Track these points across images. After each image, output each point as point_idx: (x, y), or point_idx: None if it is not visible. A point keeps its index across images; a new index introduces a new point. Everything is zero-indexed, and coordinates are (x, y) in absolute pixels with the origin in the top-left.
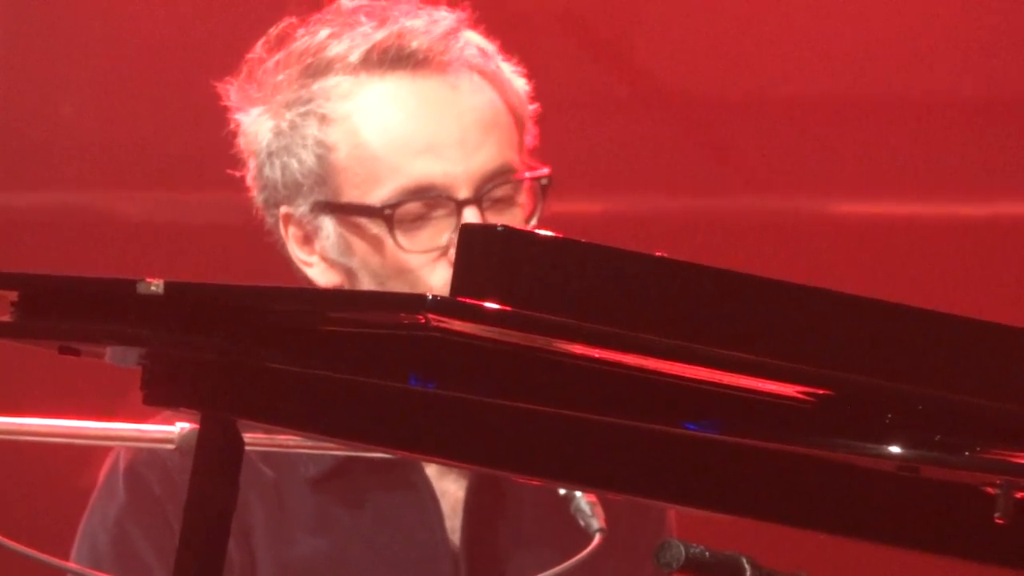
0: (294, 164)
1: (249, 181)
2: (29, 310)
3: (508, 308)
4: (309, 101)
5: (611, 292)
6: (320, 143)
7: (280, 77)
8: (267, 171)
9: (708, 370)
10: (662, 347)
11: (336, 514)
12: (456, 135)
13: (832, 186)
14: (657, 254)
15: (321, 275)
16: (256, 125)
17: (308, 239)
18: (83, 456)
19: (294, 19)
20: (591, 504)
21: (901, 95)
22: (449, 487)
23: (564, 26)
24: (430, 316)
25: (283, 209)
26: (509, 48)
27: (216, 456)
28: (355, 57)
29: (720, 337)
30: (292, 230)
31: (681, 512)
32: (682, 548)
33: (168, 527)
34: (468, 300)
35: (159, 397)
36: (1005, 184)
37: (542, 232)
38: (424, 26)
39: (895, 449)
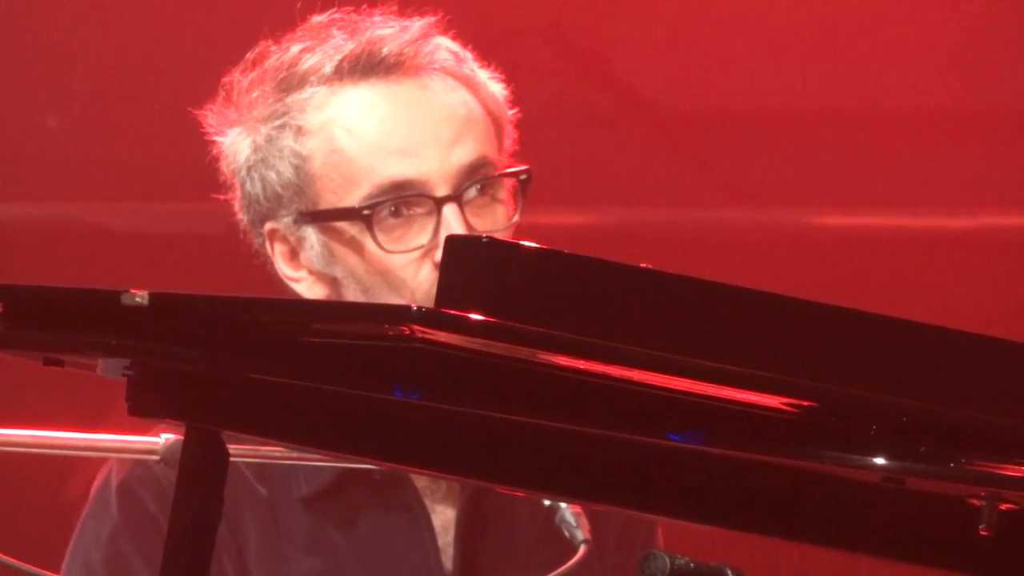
0: (272, 176)
1: (236, 205)
2: (14, 321)
3: (493, 319)
4: (284, 114)
5: (596, 303)
6: (296, 154)
7: (255, 94)
8: (248, 187)
9: (693, 382)
10: (647, 359)
11: (329, 533)
12: (430, 132)
13: (816, 198)
14: (641, 265)
15: (308, 290)
16: (235, 145)
17: (294, 253)
18: (67, 467)
19: (270, 43)
20: (576, 515)
21: (884, 107)
22: (441, 507)
23: (547, 39)
24: (415, 328)
25: (268, 225)
26: (493, 61)
27: (201, 467)
28: (328, 68)
29: (705, 349)
30: (278, 247)
31: (666, 524)
32: (667, 559)
33: (163, 544)
34: (453, 312)
35: (144, 408)
36: (989, 196)
37: (527, 244)
38: (394, 33)
39: (880, 461)
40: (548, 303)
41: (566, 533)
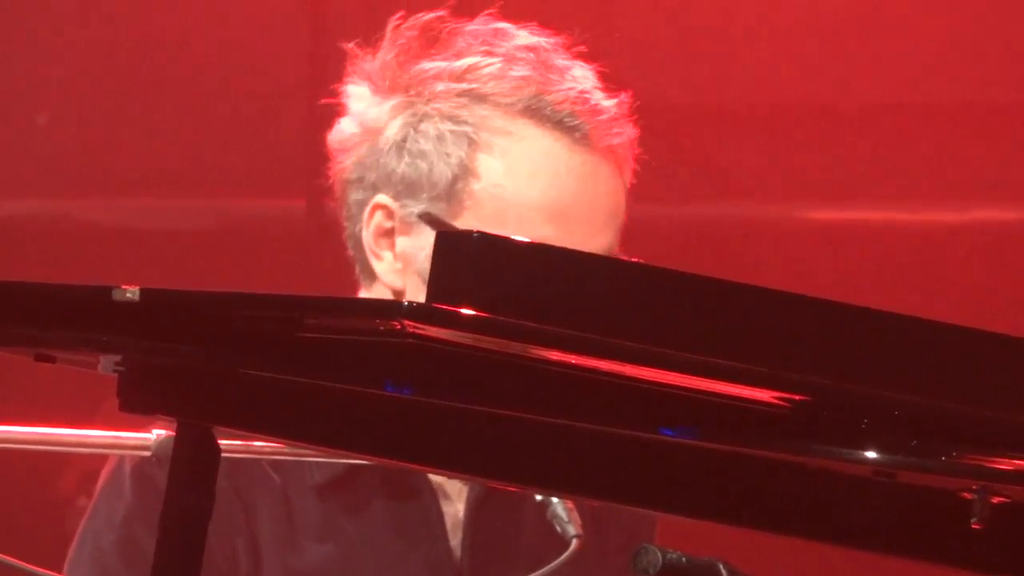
0: (424, 167)
1: (340, 147)
2: (4, 317)
3: (484, 314)
4: (463, 122)
5: (587, 298)
6: (463, 166)
7: (439, 87)
8: (386, 159)
9: (685, 376)
10: (638, 353)
11: (341, 522)
12: (587, 213)
13: (807, 192)
14: (633, 260)
15: (388, 271)
16: (391, 112)
17: (390, 234)
18: (58, 464)
19: (446, 21)
20: (568, 510)
21: (875, 102)
22: (452, 500)
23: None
24: (406, 323)
25: (381, 197)
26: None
27: (192, 463)
28: (522, 102)
29: (696, 343)
30: (379, 218)
31: (659, 519)
32: (659, 554)
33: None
34: (444, 306)
35: (135, 404)
36: (979, 190)
37: (518, 238)
38: (596, 101)
39: (871, 454)
40: (540, 298)
41: (558, 528)
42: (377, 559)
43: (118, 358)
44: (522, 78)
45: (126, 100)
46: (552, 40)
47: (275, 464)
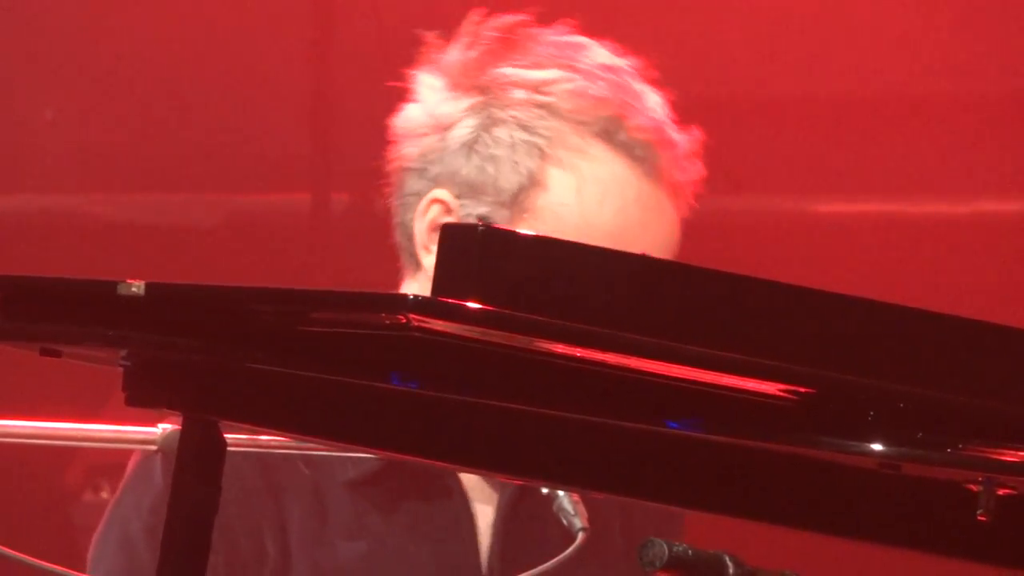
0: (491, 170)
1: (405, 133)
2: (10, 312)
3: (489, 308)
4: (537, 134)
5: (593, 291)
6: (532, 176)
7: (518, 94)
8: (453, 156)
9: (690, 369)
10: (644, 346)
11: (372, 520)
12: (646, 246)
13: (813, 184)
14: (639, 252)
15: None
16: (465, 111)
17: None
18: (64, 458)
19: (525, 18)
20: (574, 503)
21: (882, 94)
22: (482, 505)
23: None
24: (411, 316)
25: (440, 192)
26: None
27: (198, 457)
28: (599, 123)
29: (702, 335)
30: (435, 212)
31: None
32: (665, 546)
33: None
34: (449, 300)
35: (141, 398)
36: (986, 182)
37: (523, 231)
38: (670, 133)
39: (877, 447)
40: (545, 291)
41: (564, 521)
42: (405, 559)
43: (124, 352)
44: (601, 99)
45: (130, 95)
46: (630, 61)
47: (307, 459)
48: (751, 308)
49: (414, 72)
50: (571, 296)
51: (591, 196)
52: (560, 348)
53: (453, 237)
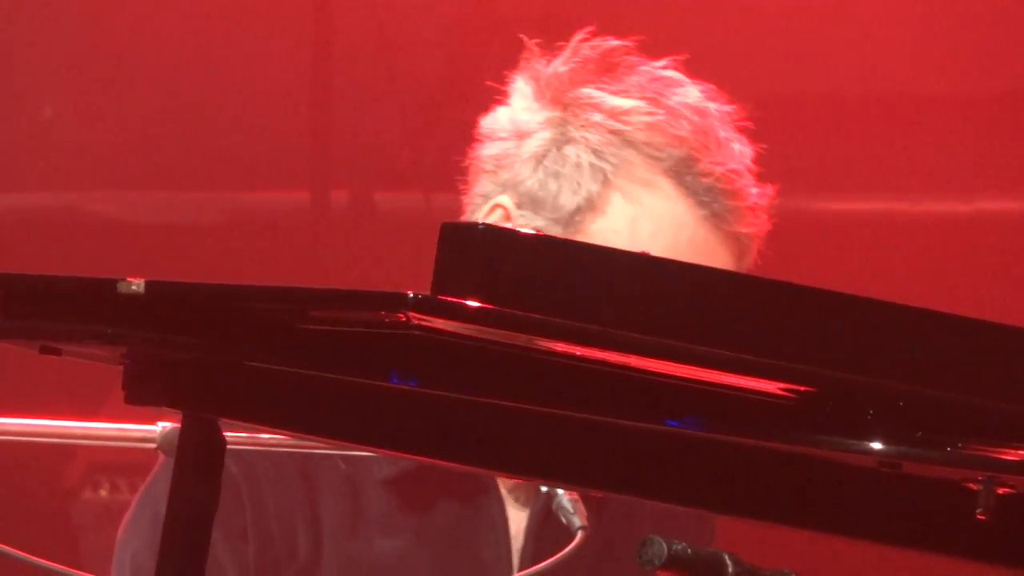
0: (553, 187)
1: (488, 134)
2: (9, 310)
3: (489, 306)
4: (605, 159)
5: (593, 290)
6: (590, 200)
7: (596, 117)
8: (521, 165)
9: (690, 367)
10: (644, 345)
11: (406, 518)
12: None
13: (813, 184)
14: (640, 251)
15: None
16: (542, 123)
17: None
18: (64, 456)
19: (629, 45)
20: (573, 502)
21: (882, 94)
22: (515, 510)
23: (544, 28)
24: (411, 314)
25: (504, 198)
26: (487, 55)
27: (198, 456)
28: (670, 160)
29: (702, 334)
30: (496, 216)
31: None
32: (664, 545)
33: (241, 508)
34: (449, 298)
35: (140, 396)
36: (986, 182)
37: (523, 230)
38: (742, 184)
39: (877, 445)
40: (545, 290)
41: (563, 520)
42: (437, 558)
43: (123, 350)
44: (678, 137)
45: (130, 94)
46: (725, 107)
47: (344, 455)
48: (751, 307)
49: (515, 75)
50: (571, 295)
51: (644, 229)
52: (560, 347)
53: (453, 236)
